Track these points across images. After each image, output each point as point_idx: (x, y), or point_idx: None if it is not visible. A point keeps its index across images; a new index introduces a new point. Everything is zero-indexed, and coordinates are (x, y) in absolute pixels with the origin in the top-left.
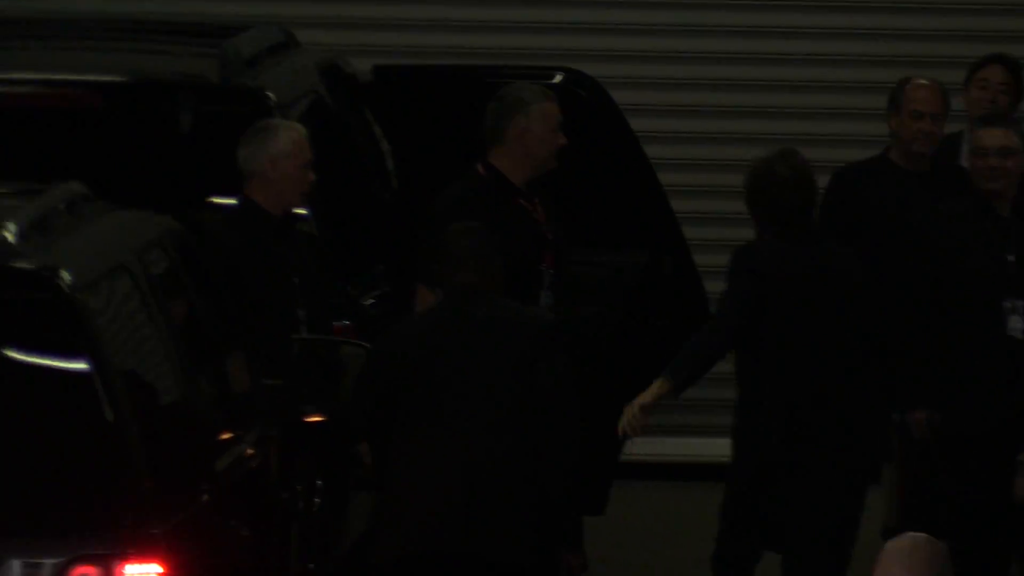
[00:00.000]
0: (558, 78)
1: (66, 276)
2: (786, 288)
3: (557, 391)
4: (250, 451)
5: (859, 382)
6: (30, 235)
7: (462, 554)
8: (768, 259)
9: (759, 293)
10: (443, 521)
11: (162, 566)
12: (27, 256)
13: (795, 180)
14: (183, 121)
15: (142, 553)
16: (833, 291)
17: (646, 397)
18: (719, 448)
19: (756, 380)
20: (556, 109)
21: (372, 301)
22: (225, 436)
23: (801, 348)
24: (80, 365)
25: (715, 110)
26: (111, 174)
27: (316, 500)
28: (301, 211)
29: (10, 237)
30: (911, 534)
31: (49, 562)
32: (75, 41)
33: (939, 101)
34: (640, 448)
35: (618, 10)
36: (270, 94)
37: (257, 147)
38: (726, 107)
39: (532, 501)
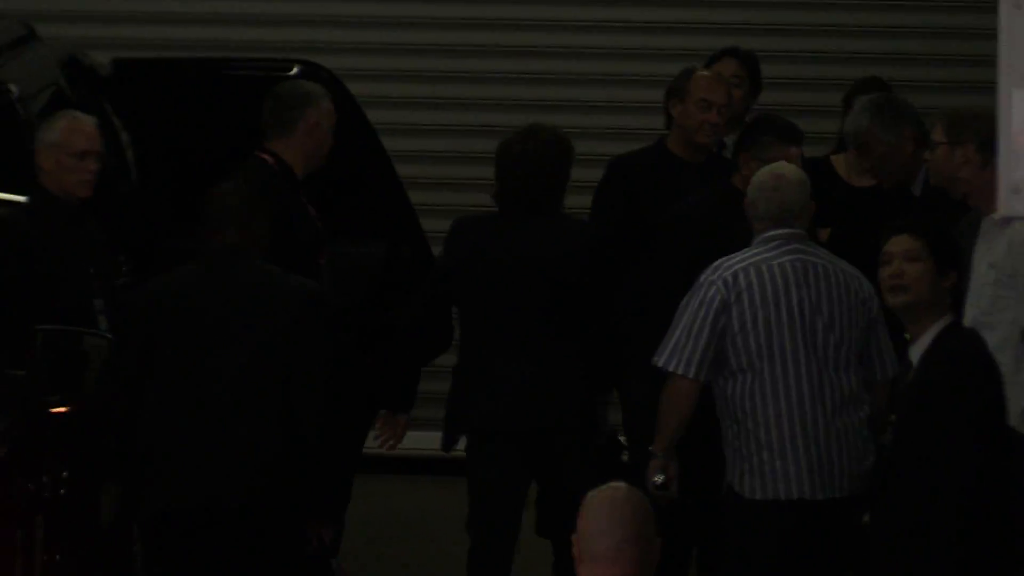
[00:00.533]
0: (295, 70)
1: None
2: (486, 264)
3: (312, 357)
4: None
5: (563, 358)
6: None
7: (216, 504)
8: (470, 233)
9: (451, 269)
10: (200, 475)
11: None
12: None
13: (526, 158)
14: None
15: None
16: (537, 272)
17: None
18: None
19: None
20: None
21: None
22: None
23: (493, 320)
24: None
25: (453, 103)
26: None
27: (62, 491)
28: None
29: None
30: (612, 484)
31: None
32: None
33: (726, 93)
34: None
35: (355, 4)
36: (11, 87)
37: (37, 138)
38: (465, 99)
39: (282, 457)
